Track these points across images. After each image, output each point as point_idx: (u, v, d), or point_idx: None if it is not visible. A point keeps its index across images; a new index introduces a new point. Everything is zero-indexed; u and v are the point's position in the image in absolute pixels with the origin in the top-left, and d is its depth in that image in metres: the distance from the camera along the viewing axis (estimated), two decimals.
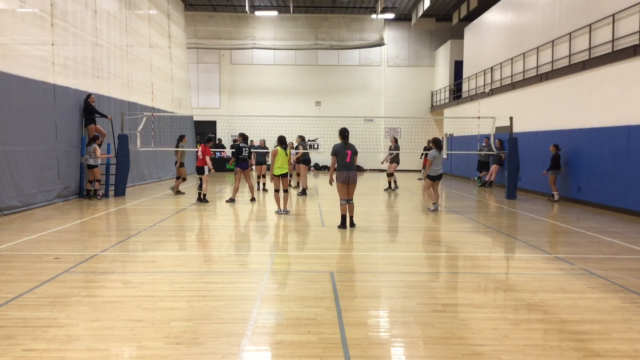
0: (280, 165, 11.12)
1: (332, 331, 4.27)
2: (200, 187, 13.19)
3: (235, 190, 13.44)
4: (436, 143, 11.94)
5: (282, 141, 11.29)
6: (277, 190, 11.26)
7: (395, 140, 17.24)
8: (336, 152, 9.44)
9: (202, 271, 6.31)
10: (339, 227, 9.50)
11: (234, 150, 14.03)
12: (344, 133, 9.59)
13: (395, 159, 16.82)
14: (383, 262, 7.01)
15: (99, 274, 6.05)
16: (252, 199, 13.57)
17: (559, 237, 9.20)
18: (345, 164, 9.38)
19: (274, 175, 11.18)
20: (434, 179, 11.98)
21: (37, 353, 3.79)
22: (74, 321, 4.43)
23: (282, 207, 11.23)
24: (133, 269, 6.35)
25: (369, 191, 17.25)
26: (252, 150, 15.12)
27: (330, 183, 9.64)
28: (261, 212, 11.84)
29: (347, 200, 9.50)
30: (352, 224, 9.57)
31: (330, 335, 4.18)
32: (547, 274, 6.32)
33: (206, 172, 13.11)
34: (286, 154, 11.20)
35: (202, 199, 13.11)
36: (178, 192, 14.88)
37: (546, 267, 6.71)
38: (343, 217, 9.54)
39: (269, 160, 13.32)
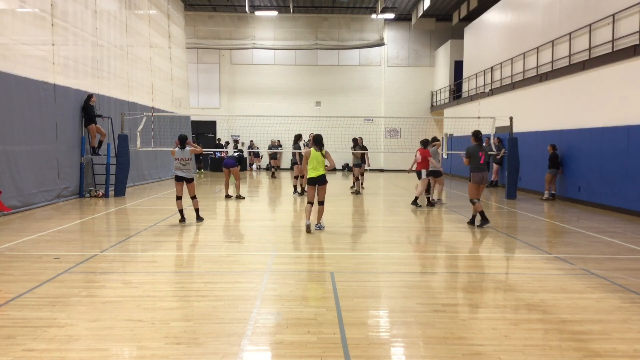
0: (314, 167, 9.12)
1: (332, 331, 4.27)
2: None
3: (226, 186, 14.15)
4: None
5: (317, 141, 9.22)
6: (309, 203, 9.27)
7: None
8: (470, 154, 9.54)
9: (202, 271, 6.30)
10: (468, 222, 9.86)
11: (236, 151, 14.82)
12: (477, 135, 9.71)
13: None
14: (383, 262, 7.01)
15: (99, 274, 6.05)
16: (227, 196, 13.96)
17: (559, 237, 9.20)
18: (479, 166, 9.56)
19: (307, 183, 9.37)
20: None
21: (37, 353, 3.79)
22: (74, 321, 4.43)
23: (309, 219, 9.10)
24: (133, 269, 6.35)
25: (369, 191, 17.24)
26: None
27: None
28: (262, 212, 11.84)
29: (478, 200, 9.66)
30: (487, 219, 9.61)
31: (330, 335, 4.18)
32: (547, 274, 6.32)
33: (424, 175, 12.71)
34: (323, 156, 9.13)
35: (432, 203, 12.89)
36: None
37: (546, 267, 6.71)
38: (476, 214, 9.72)
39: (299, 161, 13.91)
